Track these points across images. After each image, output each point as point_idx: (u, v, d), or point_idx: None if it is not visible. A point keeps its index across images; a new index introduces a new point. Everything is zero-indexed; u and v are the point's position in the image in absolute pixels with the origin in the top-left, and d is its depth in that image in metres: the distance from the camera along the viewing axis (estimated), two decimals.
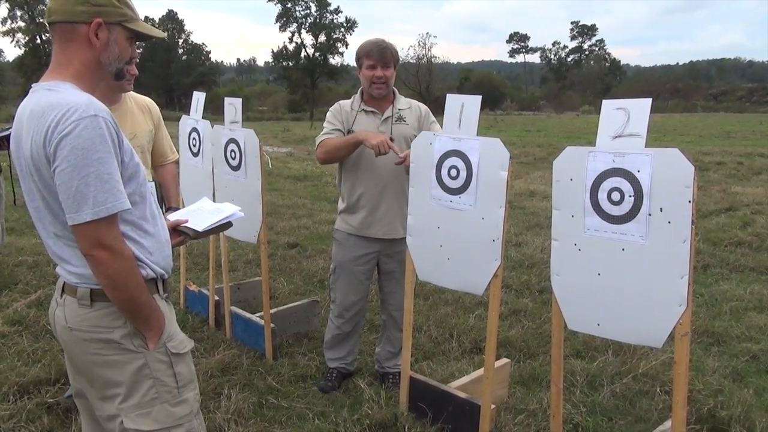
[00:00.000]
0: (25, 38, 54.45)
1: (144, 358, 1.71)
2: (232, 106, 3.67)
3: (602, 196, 2.26)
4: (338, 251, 3.35)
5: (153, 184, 3.19)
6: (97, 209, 1.54)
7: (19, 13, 53.82)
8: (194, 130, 4.05)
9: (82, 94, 1.61)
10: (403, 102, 3.27)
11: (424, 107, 3.32)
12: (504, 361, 3.36)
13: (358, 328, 3.51)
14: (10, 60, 60.93)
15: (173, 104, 54.63)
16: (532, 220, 7.86)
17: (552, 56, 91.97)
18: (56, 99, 1.57)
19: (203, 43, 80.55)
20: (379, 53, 3.13)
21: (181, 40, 70.13)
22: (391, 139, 3.11)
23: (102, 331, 1.69)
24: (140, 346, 1.71)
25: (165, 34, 1.98)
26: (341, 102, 3.31)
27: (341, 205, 3.33)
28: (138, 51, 1.90)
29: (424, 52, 63.58)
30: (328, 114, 3.28)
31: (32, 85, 1.68)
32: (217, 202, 3.23)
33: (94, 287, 1.67)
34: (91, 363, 1.72)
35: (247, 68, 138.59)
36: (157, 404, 1.73)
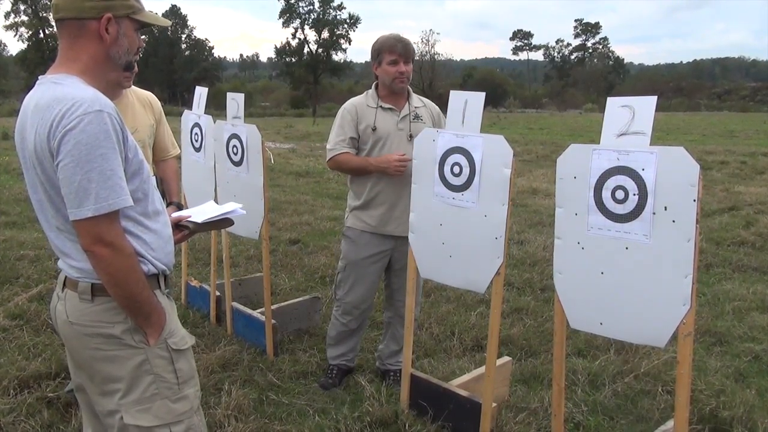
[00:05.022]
0: (28, 32, 54.47)
1: (144, 354, 1.71)
2: (235, 101, 3.65)
3: (606, 194, 2.24)
4: (350, 249, 3.32)
5: (154, 179, 3.19)
6: (99, 205, 1.53)
7: (22, 7, 53.83)
8: (196, 125, 4.04)
9: (88, 88, 1.60)
10: (416, 100, 3.28)
11: (436, 108, 3.34)
12: (505, 359, 3.35)
13: (364, 325, 3.50)
14: (13, 54, 61.08)
15: (176, 99, 54.65)
16: (535, 218, 7.85)
17: (555, 54, 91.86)
18: (62, 93, 1.56)
19: (206, 39, 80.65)
20: (403, 48, 3.13)
21: (184, 36, 70.23)
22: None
23: (102, 326, 1.68)
24: (141, 341, 1.70)
25: (170, 23, 1.98)
26: (354, 101, 3.26)
27: (355, 203, 3.29)
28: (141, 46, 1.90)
29: (427, 48, 63.70)
30: (339, 116, 3.23)
31: (39, 77, 1.67)
32: (220, 202, 3.23)
33: (95, 282, 1.66)
34: (92, 358, 1.71)
35: (250, 64, 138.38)
36: (158, 400, 1.72)
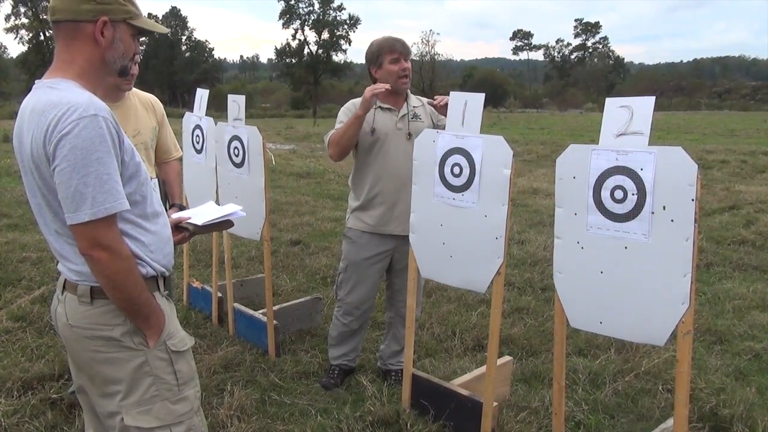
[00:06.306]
0: (28, 35, 54.54)
1: (144, 356, 1.72)
2: (236, 103, 3.67)
3: (605, 194, 2.26)
4: (351, 250, 3.33)
5: (156, 180, 3.20)
6: (96, 209, 1.54)
7: (22, 10, 53.90)
8: (197, 127, 4.06)
9: (83, 92, 1.60)
10: (415, 99, 3.30)
11: None
12: (506, 358, 3.36)
13: (365, 325, 3.52)
14: (14, 56, 61.17)
15: (176, 101, 54.71)
16: (535, 218, 7.86)
17: (556, 54, 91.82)
18: (57, 97, 1.56)
19: (206, 40, 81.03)
20: (403, 46, 3.17)
21: (184, 37, 70.31)
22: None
23: (102, 328, 1.69)
24: (140, 343, 1.72)
25: (168, 30, 1.99)
26: (355, 102, 3.28)
27: (355, 203, 3.30)
28: (141, 48, 1.90)
29: (427, 49, 63.76)
30: (340, 113, 3.26)
31: (35, 82, 1.68)
32: (221, 203, 3.24)
33: (94, 285, 1.67)
34: (92, 360, 1.72)
35: (250, 65, 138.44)
36: (158, 401, 1.73)
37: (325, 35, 61.65)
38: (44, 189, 1.63)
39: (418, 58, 60.10)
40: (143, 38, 1.85)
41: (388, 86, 3.06)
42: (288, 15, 61.14)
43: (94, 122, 1.53)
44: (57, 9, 1.64)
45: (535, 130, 28.93)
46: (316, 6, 61.36)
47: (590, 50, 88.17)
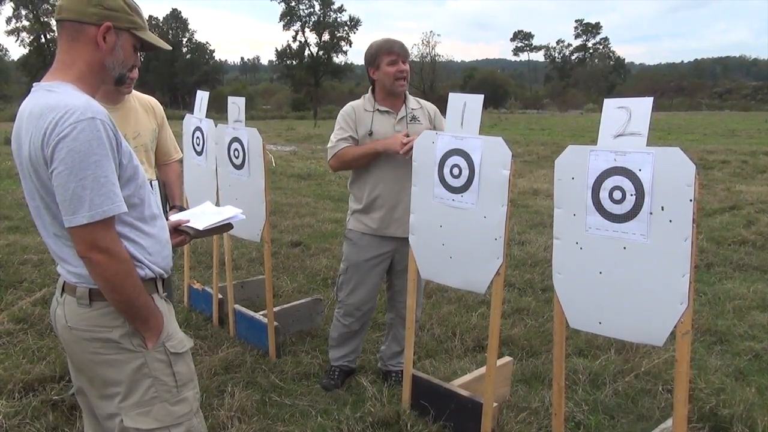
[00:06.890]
0: (29, 37, 54.66)
1: (143, 358, 1.72)
2: (236, 104, 3.68)
3: (604, 194, 2.26)
4: (352, 251, 3.34)
5: (157, 183, 3.21)
6: (93, 212, 1.55)
7: (23, 12, 53.99)
8: (198, 129, 4.07)
9: (81, 95, 1.61)
10: (413, 102, 3.30)
11: (432, 107, 3.35)
12: (506, 359, 3.36)
13: (366, 326, 3.52)
14: (15, 59, 61.29)
15: (177, 103, 54.75)
16: (536, 219, 7.86)
17: (556, 54, 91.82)
18: (54, 101, 1.57)
19: (207, 42, 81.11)
20: (400, 48, 3.17)
21: (185, 39, 70.39)
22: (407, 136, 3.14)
23: (101, 330, 1.70)
24: (139, 345, 1.72)
25: (170, 48, 1.99)
26: (353, 104, 3.29)
27: (356, 206, 3.31)
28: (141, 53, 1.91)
29: (428, 50, 63.81)
30: (339, 118, 3.26)
31: (33, 85, 1.69)
32: (221, 204, 3.24)
33: (93, 287, 1.68)
34: (91, 362, 1.73)
35: (251, 67, 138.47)
36: (157, 403, 1.74)
37: (326, 37, 61.70)
38: (42, 192, 1.63)
39: (418, 60, 60.14)
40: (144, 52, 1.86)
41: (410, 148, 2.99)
42: (288, 17, 61.19)
43: (91, 125, 1.54)
44: (63, 8, 1.66)
45: (536, 130, 28.93)
46: (317, 8, 61.45)
47: (591, 51, 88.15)
